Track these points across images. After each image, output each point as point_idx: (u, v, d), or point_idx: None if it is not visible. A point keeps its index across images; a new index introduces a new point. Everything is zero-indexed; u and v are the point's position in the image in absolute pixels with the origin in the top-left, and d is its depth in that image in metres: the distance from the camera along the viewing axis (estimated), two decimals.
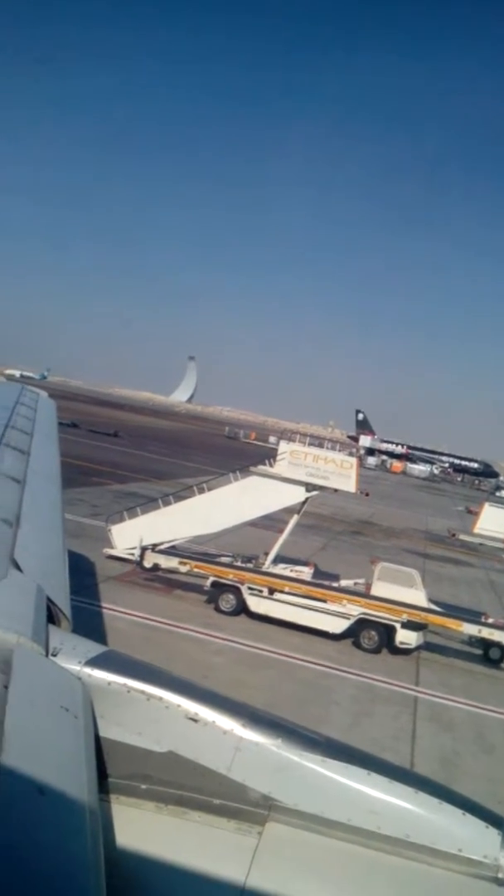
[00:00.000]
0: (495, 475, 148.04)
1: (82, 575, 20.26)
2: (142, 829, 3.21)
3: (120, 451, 61.82)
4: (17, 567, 4.30)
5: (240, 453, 57.64)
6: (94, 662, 3.45)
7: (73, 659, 3.45)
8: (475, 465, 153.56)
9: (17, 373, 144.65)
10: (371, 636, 20.84)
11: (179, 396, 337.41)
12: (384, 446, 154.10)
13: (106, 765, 3.26)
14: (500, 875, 3.08)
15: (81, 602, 17.44)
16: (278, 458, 22.14)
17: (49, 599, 4.01)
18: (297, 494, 22.20)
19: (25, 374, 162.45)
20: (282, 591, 21.27)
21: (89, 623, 16.48)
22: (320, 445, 23.51)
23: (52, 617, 3.93)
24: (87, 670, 3.40)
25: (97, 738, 3.17)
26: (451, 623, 21.31)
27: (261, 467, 22.53)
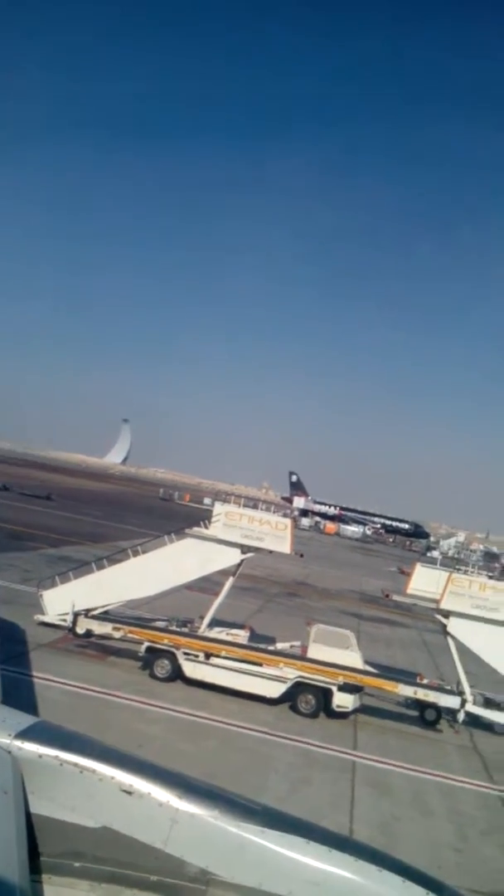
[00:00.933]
0: (426, 536, 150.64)
1: (12, 643, 19.64)
2: None
3: (53, 515, 60.56)
4: None
5: (175, 515, 57.30)
6: (25, 734, 3.35)
7: (3, 731, 3.35)
8: (406, 526, 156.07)
9: None
10: (308, 700, 20.65)
11: (114, 458, 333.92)
12: (317, 507, 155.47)
13: (37, 843, 3.14)
14: None
15: (11, 671, 16.88)
16: (213, 519, 22.12)
17: None
18: (233, 556, 22.14)
19: None
20: (218, 656, 21.00)
21: (20, 693, 15.93)
22: (255, 507, 23.61)
23: None
24: (17, 743, 3.30)
25: (28, 815, 3.07)
26: (387, 685, 21.34)
27: (196, 529, 22.43)
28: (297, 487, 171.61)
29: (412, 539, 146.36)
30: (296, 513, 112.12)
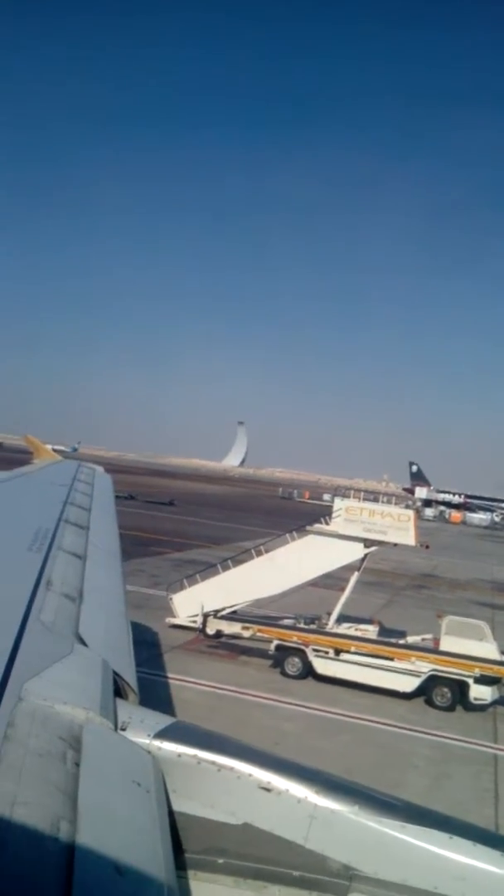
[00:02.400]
0: None
1: (147, 646, 20.26)
2: None
3: (177, 519, 62.23)
4: (83, 642, 4.29)
5: (295, 513, 57.53)
6: (163, 735, 3.40)
7: (142, 732, 3.39)
8: None
9: (49, 447, 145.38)
10: (444, 693, 20.21)
11: (232, 461, 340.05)
12: (441, 497, 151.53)
13: (181, 839, 3.18)
14: None
15: (147, 673, 17.44)
16: (334, 515, 22.05)
17: (115, 673, 3.98)
18: (356, 551, 21.99)
19: (57, 447, 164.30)
20: (348, 652, 20.90)
21: (156, 694, 16.41)
22: (375, 500, 23.34)
23: (118, 690, 3.89)
24: (157, 743, 3.35)
25: (170, 813, 3.10)
26: None
27: (317, 526, 22.43)
28: (419, 478, 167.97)
29: None
30: (418, 503, 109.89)
